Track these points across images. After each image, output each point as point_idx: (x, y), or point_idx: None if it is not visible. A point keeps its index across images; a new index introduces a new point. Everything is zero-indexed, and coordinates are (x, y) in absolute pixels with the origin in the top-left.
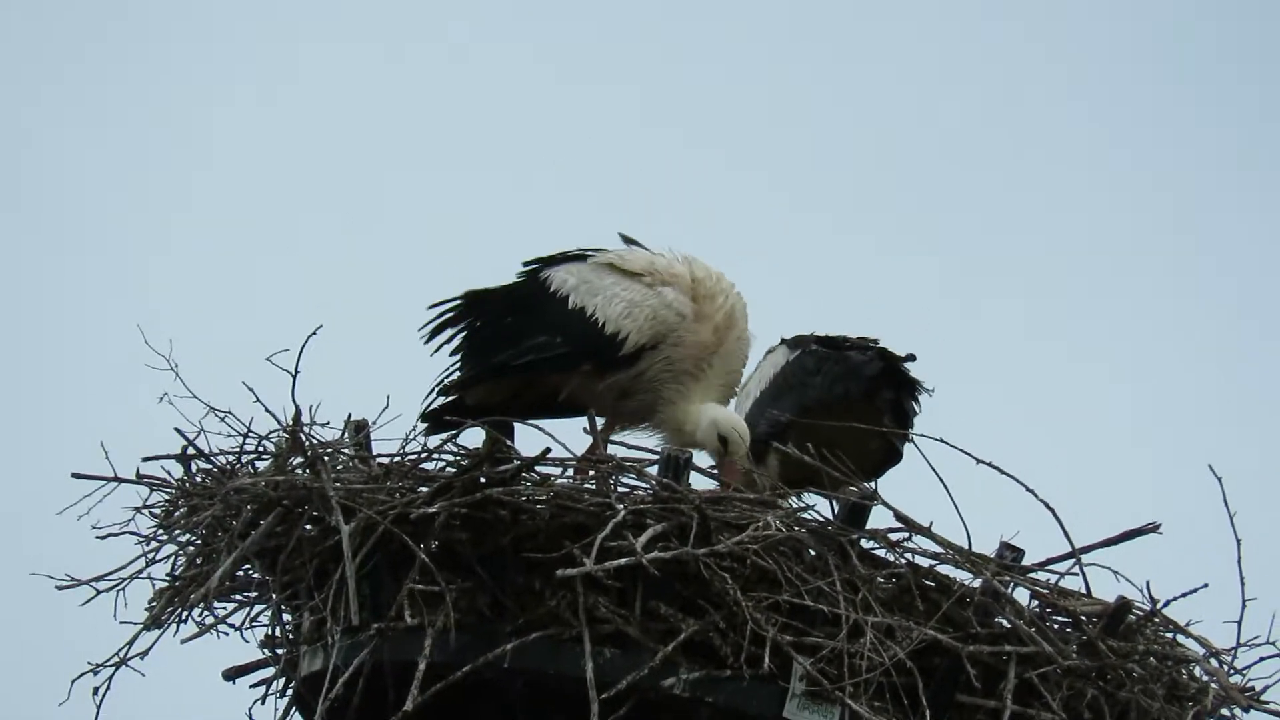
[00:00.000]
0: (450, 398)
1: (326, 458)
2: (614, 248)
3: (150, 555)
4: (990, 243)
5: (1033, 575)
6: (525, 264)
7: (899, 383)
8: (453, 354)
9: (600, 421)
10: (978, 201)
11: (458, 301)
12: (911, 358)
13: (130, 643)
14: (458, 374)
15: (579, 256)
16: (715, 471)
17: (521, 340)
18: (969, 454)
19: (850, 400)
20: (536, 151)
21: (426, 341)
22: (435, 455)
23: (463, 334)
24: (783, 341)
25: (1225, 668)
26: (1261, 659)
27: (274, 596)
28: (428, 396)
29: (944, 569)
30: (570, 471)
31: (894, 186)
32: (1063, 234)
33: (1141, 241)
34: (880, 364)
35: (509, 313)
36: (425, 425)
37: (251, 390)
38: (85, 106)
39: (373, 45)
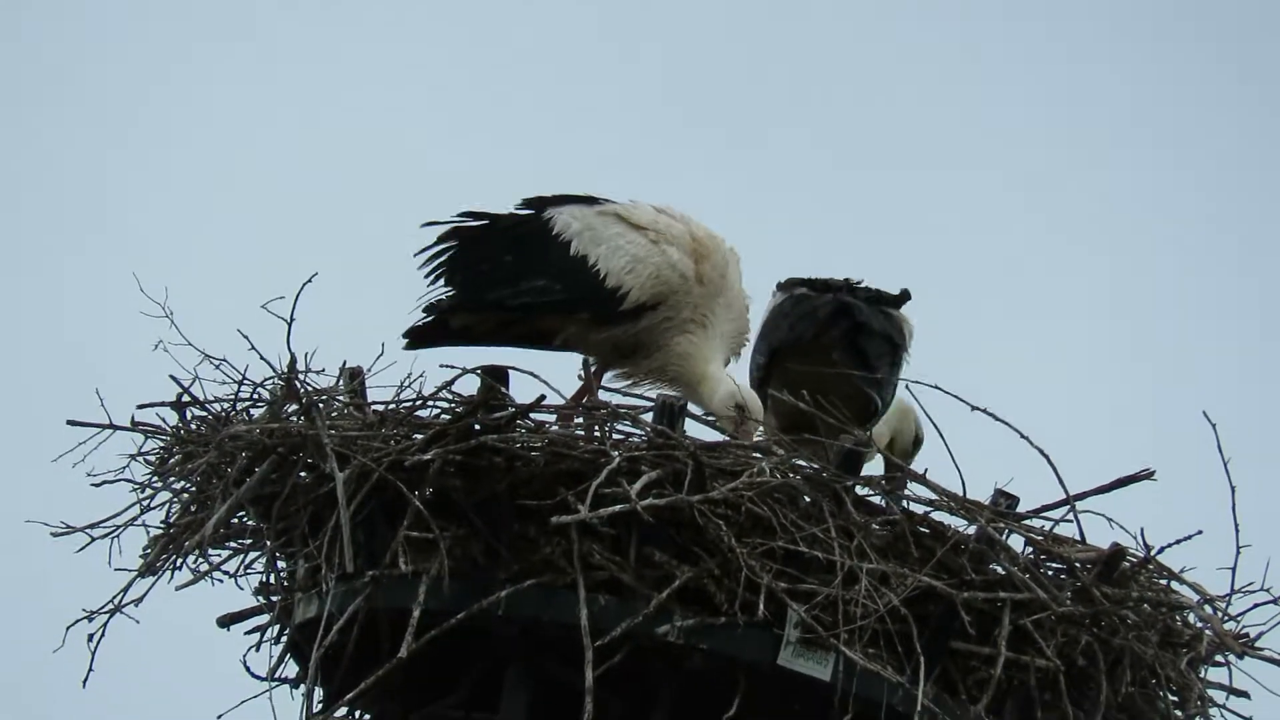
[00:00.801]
0: (433, 317)
1: (321, 405)
2: (619, 199)
3: (145, 502)
4: (991, 188)
5: (1027, 522)
6: (526, 201)
7: (851, 324)
8: (446, 280)
9: (595, 366)
10: (970, 143)
11: (454, 235)
12: (904, 297)
13: (125, 589)
14: (447, 299)
15: (585, 199)
16: (711, 419)
17: (519, 281)
18: (964, 401)
19: (804, 343)
20: (532, 94)
21: (422, 266)
22: (430, 402)
23: (459, 264)
24: (777, 286)
25: (1219, 614)
26: (1255, 605)
27: (269, 544)
28: (415, 312)
29: (939, 516)
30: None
31: (883, 126)
32: (1061, 175)
33: (1138, 188)
34: (831, 306)
35: (509, 250)
36: (407, 341)
37: (246, 338)
38: (79, 55)
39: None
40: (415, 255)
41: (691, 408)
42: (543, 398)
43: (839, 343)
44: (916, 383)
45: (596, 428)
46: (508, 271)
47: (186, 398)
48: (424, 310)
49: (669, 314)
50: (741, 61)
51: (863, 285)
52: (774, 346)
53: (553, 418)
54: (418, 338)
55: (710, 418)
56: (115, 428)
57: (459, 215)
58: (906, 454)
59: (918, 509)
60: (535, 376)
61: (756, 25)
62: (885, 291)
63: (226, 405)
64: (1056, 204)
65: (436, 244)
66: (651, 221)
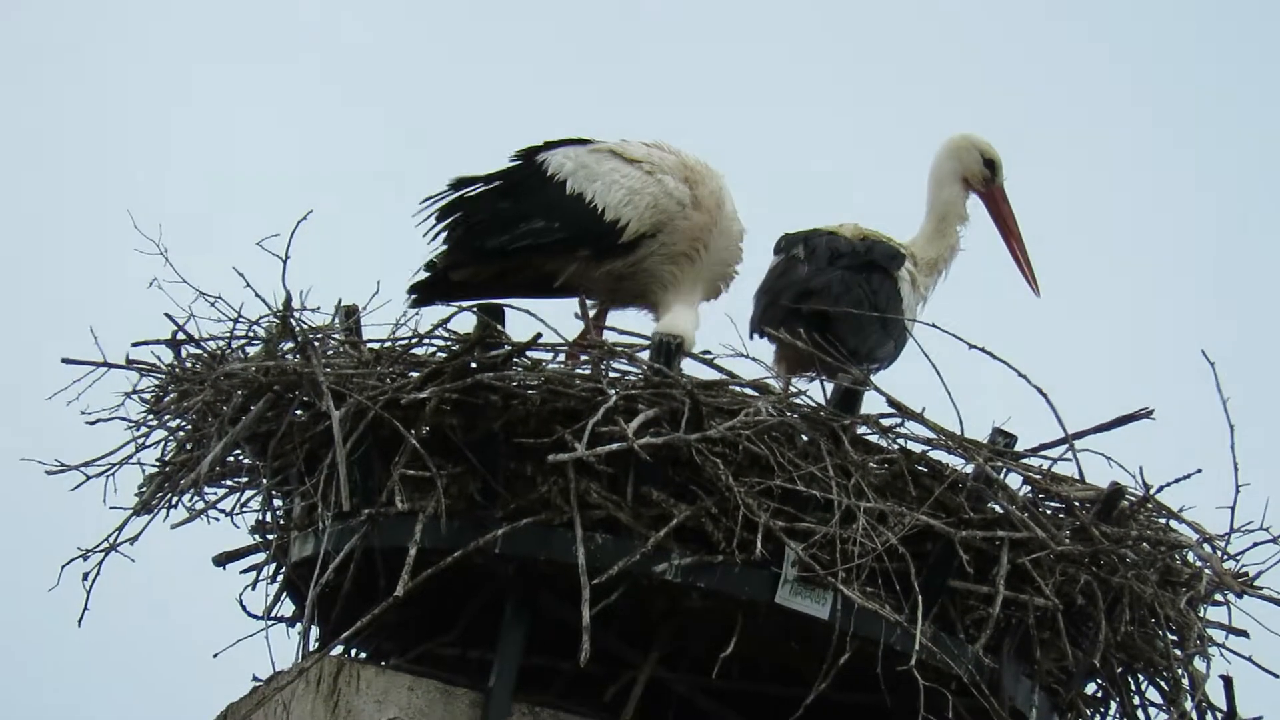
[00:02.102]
0: (434, 274)
1: (317, 343)
2: (609, 138)
3: (140, 440)
4: (991, 116)
5: (1025, 461)
6: (517, 152)
7: (816, 317)
8: (445, 239)
9: (593, 307)
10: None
11: (450, 192)
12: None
13: (120, 528)
14: (446, 253)
15: (576, 141)
16: (707, 357)
17: (517, 225)
18: (961, 339)
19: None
20: (532, 38)
21: (425, 233)
22: (426, 340)
23: (456, 217)
24: (777, 243)
25: (1219, 553)
26: (1255, 544)
27: (264, 482)
28: (416, 273)
29: (937, 454)
30: (561, 356)
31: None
32: (1057, 116)
33: (1135, 126)
34: (790, 300)
35: (504, 197)
36: (413, 299)
37: (242, 275)
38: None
39: None
40: (416, 223)
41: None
42: (539, 336)
43: (805, 336)
44: (914, 321)
45: (593, 365)
46: (505, 218)
47: (181, 335)
48: (425, 268)
49: (666, 240)
50: None
51: (861, 241)
52: (757, 318)
53: (549, 355)
54: (424, 294)
55: (708, 355)
56: (110, 366)
57: (451, 183)
58: None
59: (916, 447)
60: (532, 315)
61: None
62: (882, 244)
63: (222, 343)
64: (1052, 140)
65: (433, 206)
66: (645, 155)
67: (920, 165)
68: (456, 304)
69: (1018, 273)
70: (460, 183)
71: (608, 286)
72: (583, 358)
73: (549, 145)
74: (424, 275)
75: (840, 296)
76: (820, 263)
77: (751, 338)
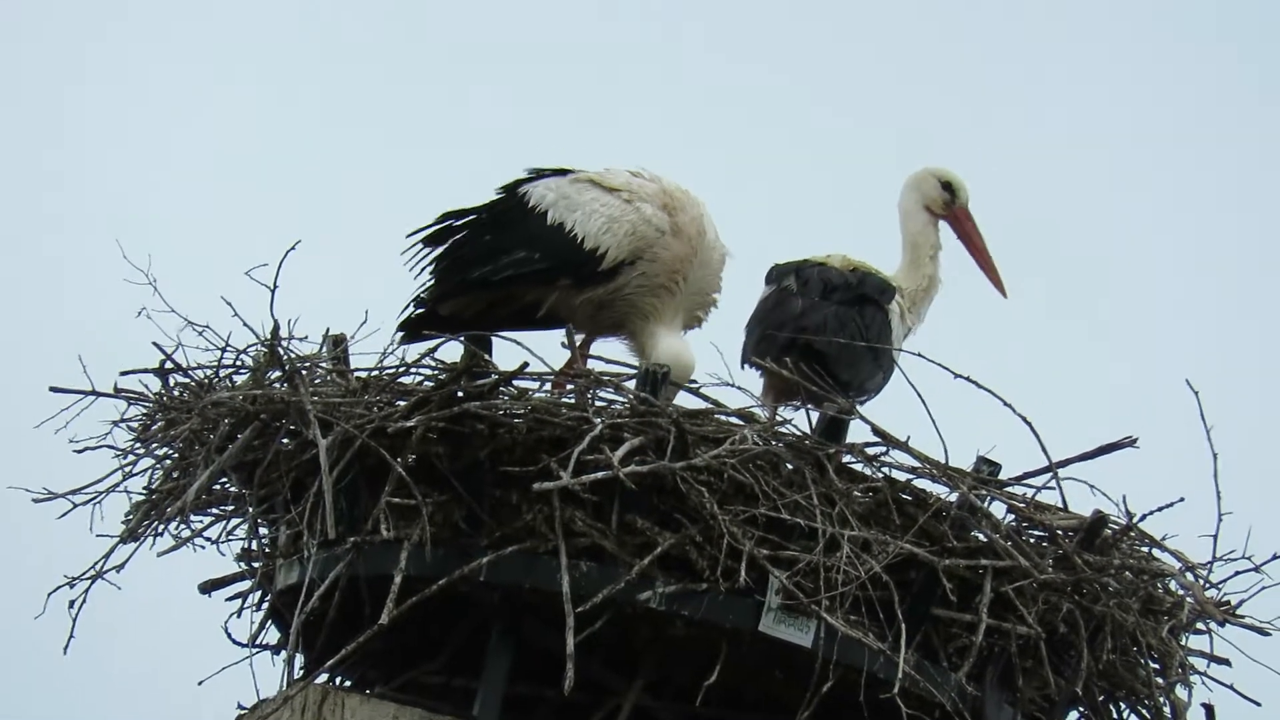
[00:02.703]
0: (423, 309)
1: (304, 371)
2: (593, 167)
3: (127, 469)
4: (970, 152)
5: (1009, 489)
6: (502, 186)
7: (809, 352)
8: (431, 270)
9: (578, 336)
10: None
11: (436, 225)
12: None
13: (106, 556)
14: (433, 287)
15: (558, 172)
16: (693, 386)
17: (500, 256)
18: (946, 368)
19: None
20: (518, 67)
21: (411, 267)
22: (413, 369)
23: (442, 250)
24: (769, 273)
25: (1201, 582)
26: (1237, 573)
27: (250, 510)
28: (405, 308)
29: (921, 483)
30: (548, 385)
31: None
32: (1042, 138)
33: (1117, 146)
34: (785, 339)
35: (488, 230)
36: (402, 335)
37: (230, 304)
38: (67, 11)
39: None
40: (403, 258)
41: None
42: (525, 365)
43: (798, 368)
44: (900, 351)
45: (578, 394)
46: (488, 249)
47: (169, 364)
48: (413, 303)
49: (646, 269)
50: None
51: (852, 273)
52: (749, 350)
53: (535, 384)
54: (413, 329)
55: (693, 384)
56: (98, 394)
57: (438, 217)
58: None
59: (900, 476)
60: (518, 344)
61: None
62: (873, 277)
63: (209, 372)
64: (1038, 172)
65: (419, 240)
66: (625, 183)
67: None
68: (443, 334)
69: (988, 284)
70: (446, 216)
71: (588, 315)
72: (568, 387)
73: (532, 176)
74: (413, 311)
75: (835, 331)
76: (813, 295)
77: (743, 368)
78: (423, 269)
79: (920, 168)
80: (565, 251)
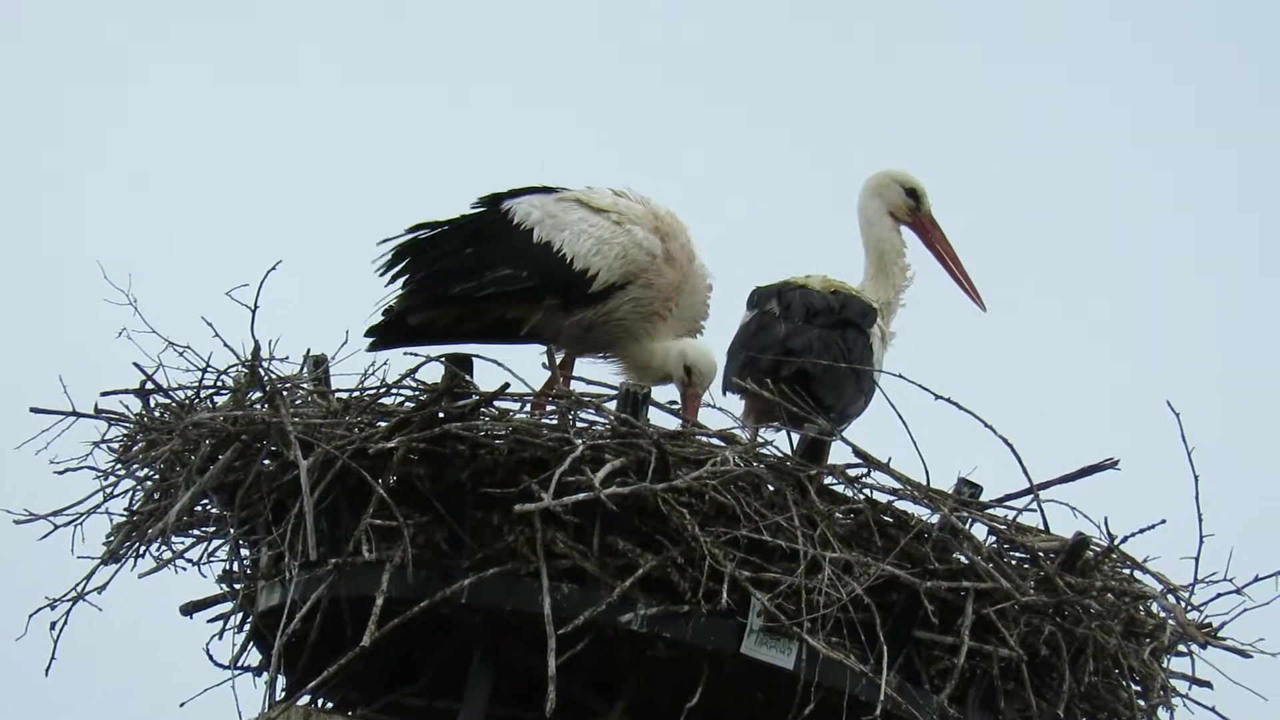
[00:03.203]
0: (391, 318)
1: (285, 392)
2: (579, 186)
3: (108, 490)
4: (950, 177)
5: (991, 511)
6: (480, 199)
7: (796, 375)
8: (404, 283)
9: (560, 354)
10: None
11: (409, 236)
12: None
13: (88, 577)
14: (408, 298)
15: (540, 189)
16: (675, 407)
17: (483, 272)
18: (927, 389)
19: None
20: (497, 84)
21: (382, 274)
22: (394, 390)
23: (416, 261)
24: (750, 297)
25: (1183, 604)
26: (1219, 595)
27: (232, 531)
28: (372, 314)
29: (902, 505)
30: (528, 406)
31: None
32: (1022, 163)
33: (1097, 172)
34: (771, 361)
35: (467, 243)
36: (370, 342)
37: (210, 325)
38: (42, 34)
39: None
40: (374, 263)
41: (656, 395)
42: (507, 385)
43: (784, 394)
44: (881, 372)
45: (559, 415)
46: (470, 264)
47: (150, 385)
48: (382, 312)
49: (638, 294)
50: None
51: (834, 295)
52: (732, 373)
53: (516, 405)
54: (381, 337)
55: (674, 405)
56: (78, 415)
57: (411, 228)
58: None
59: (881, 498)
60: (499, 365)
61: None
62: (855, 299)
63: (190, 393)
64: (1016, 195)
65: (393, 250)
66: (612, 204)
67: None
68: (424, 354)
69: (963, 295)
70: (418, 228)
71: (574, 336)
72: (549, 407)
73: (513, 193)
74: (381, 319)
75: (820, 356)
76: (796, 320)
77: (724, 394)
78: (394, 278)
79: (878, 171)
80: (554, 271)
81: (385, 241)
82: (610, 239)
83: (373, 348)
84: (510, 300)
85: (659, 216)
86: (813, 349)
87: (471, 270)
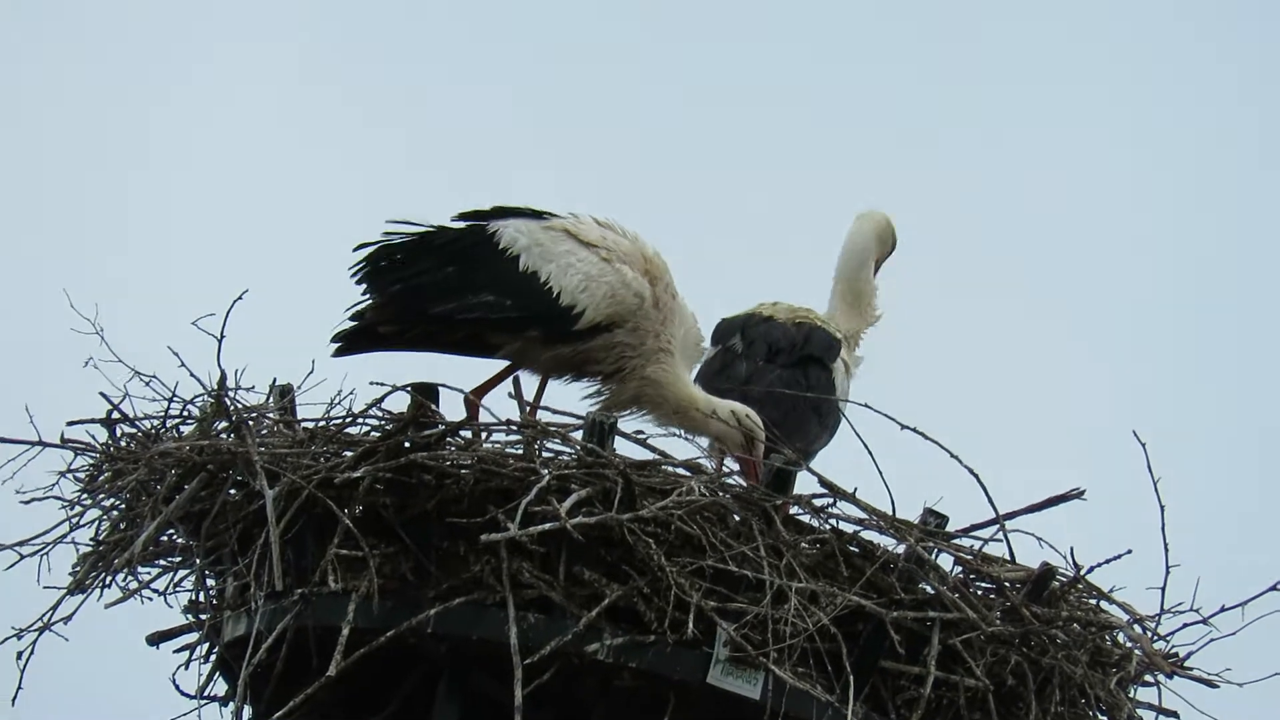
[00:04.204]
0: (359, 323)
1: (251, 422)
2: (564, 213)
3: (74, 519)
4: (917, 205)
5: (956, 541)
6: (463, 214)
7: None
8: (379, 290)
9: (534, 378)
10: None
11: (385, 239)
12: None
13: (54, 607)
14: (381, 309)
15: (527, 213)
16: (640, 436)
17: (465, 295)
18: (893, 419)
19: None
20: (463, 117)
21: (356, 279)
22: (360, 419)
23: (396, 276)
24: (714, 333)
25: (1149, 634)
26: (1185, 625)
27: (198, 561)
28: (341, 322)
29: (868, 535)
30: (498, 435)
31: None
32: (989, 193)
33: (1066, 197)
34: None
35: (451, 262)
36: (337, 347)
37: (176, 355)
38: (19, 72)
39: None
40: (349, 269)
41: (622, 425)
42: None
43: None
44: (847, 402)
45: (526, 445)
46: (452, 284)
47: (116, 414)
48: (351, 318)
49: (628, 339)
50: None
51: (797, 328)
52: None
53: (483, 435)
54: (348, 343)
55: (640, 435)
56: (44, 445)
57: (390, 223)
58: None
59: (847, 528)
60: (465, 394)
61: None
62: (819, 332)
63: (156, 422)
64: (983, 230)
65: (370, 257)
66: (600, 238)
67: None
68: (390, 383)
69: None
70: (394, 232)
71: (550, 365)
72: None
73: (499, 212)
74: (350, 324)
75: (780, 402)
76: (758, 359)
77: None
78: (367, 284)
79: (882, 216)
80: (539, 304)
81: (361, 247)
82: (598, 276)
83: (339, 353)
84: (492, 326)
85: (648, 258)
86: (772, 396)
87: (453, 291)
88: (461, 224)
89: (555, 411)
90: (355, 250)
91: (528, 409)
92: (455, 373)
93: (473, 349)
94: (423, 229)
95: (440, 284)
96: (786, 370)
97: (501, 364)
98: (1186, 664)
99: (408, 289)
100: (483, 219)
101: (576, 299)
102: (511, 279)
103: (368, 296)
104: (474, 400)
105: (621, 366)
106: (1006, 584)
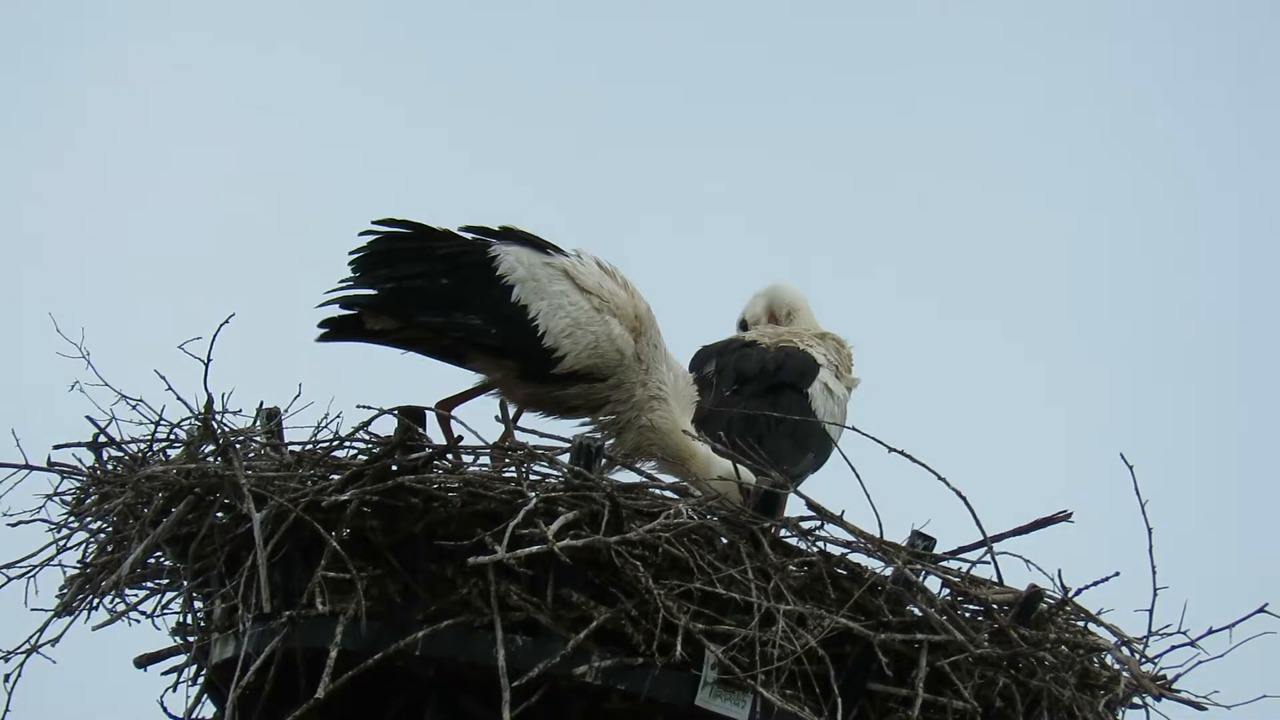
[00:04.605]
0: (350, 312)
1: (238, 445)
2: (568, 251)
3: (61, 542)
4: (907, 230)
5: (944, 564)
6: (469, 227)
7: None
8: (373, 282)
9: (510, 409)
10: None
11: (390, 239)
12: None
13: (41, 630)
14: (371, 299)
15: (533, 243)
16: (628, 460)
17: (453, 312)
18: (881, 442)
19: None
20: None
21: (354, 268)
22: (347, 443)
23: (392, 272)
24: (694, 359)
25: (1137, 656)
26: (1173, 647)
27: (185, 584)
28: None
29: (856, 557)
30: (484, 459)
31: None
32: (978, 223)
33: (1055, 230)
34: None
35: (447, 274)
36: (323, 332)
37: (164, 378)
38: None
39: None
40: (349, 253)
41: (609, 450)
42: (460, 439)
43: (735, 446)
44: (834, 425)
45: (514, 468)
46: (443, 296)
47: (103, 438)
48: (342, 304)
49: (614, 395)
50: None
51: (773, 356)
52: None
53: (470, 458)
54: (335, 330)
55: (627, 459)
56: (31, 468)
57: (393, 222)
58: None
59: (835, 550)
60: (453, 418)
61: None
62: (797, 356)
63: (143, 445)
64: (973, 249)
65: (372, 244)
66: (596, 286)
67: None
68: (378, 407)
69: None
70: (401, 226)
71: (523, 401)
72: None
73: (505, 233)
74: (339, 312)
75: (742, 432)
76: (725, 388)
77: None
78: (364, 273)
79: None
80: (522, 339)
81: (366, 233)
82: (585, 324)
83: (324, 338)
84: (473, 346)
85: (639, 315)
86: (732, 428)
87: (443, 303)
88: (467, 236)
89: (542, 435)
90: (361, 235)
91: (513, 433)
92: (441, 387)
93: (457, 359)
94: (430, 229)
95: (432, 293)
96: (754, 399)
97: (480, 377)
98: (1174, 686)
99: (399, 289)
100: (488, 236)
101: (559, 342)
102: (501, 307)
103: (357, 284)
104: (443, 413)
105: (615, 414)
106: (994, 606)
